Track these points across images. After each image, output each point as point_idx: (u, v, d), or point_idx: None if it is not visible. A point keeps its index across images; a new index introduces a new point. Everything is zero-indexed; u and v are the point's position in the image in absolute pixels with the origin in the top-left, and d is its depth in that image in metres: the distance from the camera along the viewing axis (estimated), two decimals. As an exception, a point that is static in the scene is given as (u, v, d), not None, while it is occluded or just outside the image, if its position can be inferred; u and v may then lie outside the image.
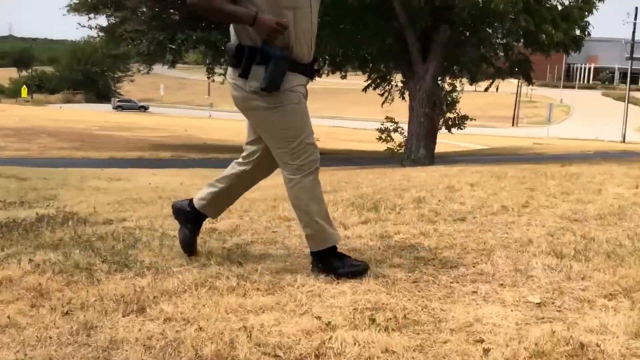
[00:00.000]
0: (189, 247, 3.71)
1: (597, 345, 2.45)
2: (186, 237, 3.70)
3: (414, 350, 2.43)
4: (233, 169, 3.62)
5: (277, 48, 3.08)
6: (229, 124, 47.78)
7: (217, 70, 29.02)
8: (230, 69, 3.28)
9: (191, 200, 3.73)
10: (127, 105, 77.23)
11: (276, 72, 3.06)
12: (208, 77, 29.92)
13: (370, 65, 19.05)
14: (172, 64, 27.94)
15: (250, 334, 2.53)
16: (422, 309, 2.86)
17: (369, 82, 21.03)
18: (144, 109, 77.55)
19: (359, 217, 4.84)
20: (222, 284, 3.16)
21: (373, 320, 2.67)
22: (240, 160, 3.60)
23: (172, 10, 25.49)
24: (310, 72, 3.34)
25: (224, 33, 23.22)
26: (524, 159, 20.35)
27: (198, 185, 8.24)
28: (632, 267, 3.46)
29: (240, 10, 3.07)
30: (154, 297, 3.00)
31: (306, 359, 2.36)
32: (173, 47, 24.75)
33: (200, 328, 2.60)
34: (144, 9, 25.07)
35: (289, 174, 3.28)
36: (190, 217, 3.69)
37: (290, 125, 3.21)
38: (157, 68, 29.78)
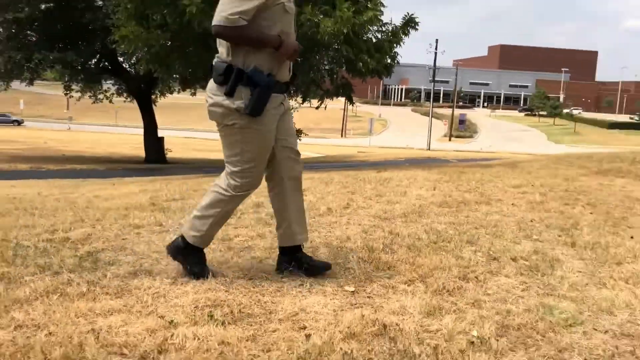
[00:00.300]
0: (317, 270, 3.39)
1: (397, 324, 2.60)
2: (308, 270, 3.37)
3: (247, 340, 2.44)
4: (274, 194, 3.40)
5: (264, 75, 3.00)
6: (87, 136, 45.41)
7: (74, 87, 27.62)
8: (213, 85, 3.09)
9: (281, 249, 3.45)
10: (-1, 120, 69.83)
11: (262, 98, 2.99)
12: (65, 94, 28.43)
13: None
14: (30, 82, 26.18)
15: (98, 336, 2.43)
16: (255, 303, 2.88)
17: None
18: (18, 123, 70.47)
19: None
20: (73, 290, 3.00)
21: (211, 316, 2.66)
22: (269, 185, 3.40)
23: (29, 32, 23.84)
24: (287, 88, 3.26)
25: (79, 53, 22.10)
26: (349, 165, 21.06)
27: (55, 196, 7.75)
28: (427, 257, 3.71)
29: (267, 35, 2.99)
30: (5, 306, 2.78)
31: (150, 355, 2.30)
32: (30, 66, 23.11)
33: (50, 333, 2.46)
34: (0, 30, 23.22)
35: (226, 186, 3.16)
36: (294, 259, 3.39)
37: (253, 148, 3.11)
38: (16, 84, 27.76)
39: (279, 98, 3.17)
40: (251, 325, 2.61)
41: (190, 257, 3.28)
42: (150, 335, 2.46)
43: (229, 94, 3.01)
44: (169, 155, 27.91)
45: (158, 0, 13.48)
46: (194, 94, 24.95)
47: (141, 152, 28.45)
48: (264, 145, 3.15)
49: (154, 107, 28.47)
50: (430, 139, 56.67)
